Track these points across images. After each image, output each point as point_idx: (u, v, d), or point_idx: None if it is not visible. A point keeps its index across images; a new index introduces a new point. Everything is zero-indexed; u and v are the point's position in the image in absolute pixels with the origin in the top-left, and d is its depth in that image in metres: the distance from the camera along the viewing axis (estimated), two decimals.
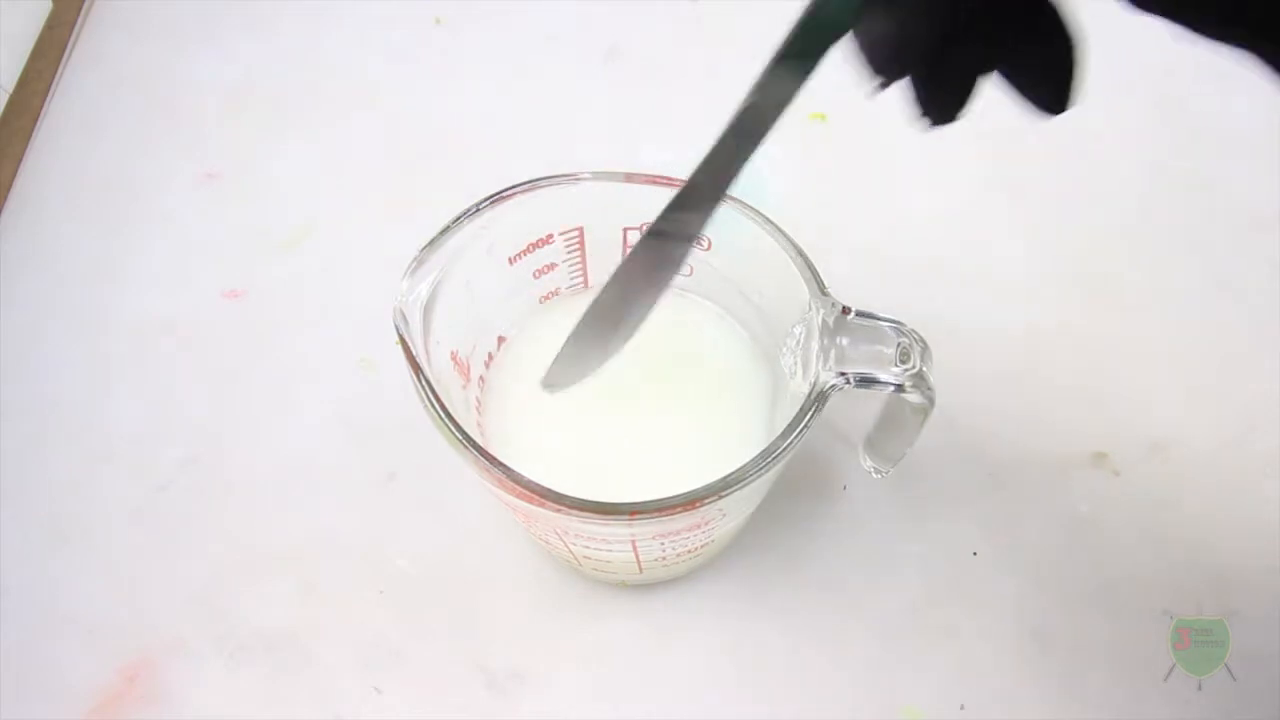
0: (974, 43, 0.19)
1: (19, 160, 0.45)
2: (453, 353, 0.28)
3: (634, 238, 0.30)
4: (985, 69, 0.19)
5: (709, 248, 0.29)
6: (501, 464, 0.23)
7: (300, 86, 0.47)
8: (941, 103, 0.20)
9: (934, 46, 0.19)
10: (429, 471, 0.35)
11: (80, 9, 0.50)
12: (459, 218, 0.26)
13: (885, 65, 0.19)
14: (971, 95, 0.19)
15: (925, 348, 0.25)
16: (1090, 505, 0.34)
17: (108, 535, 0.34)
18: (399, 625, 0.32)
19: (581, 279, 0.32)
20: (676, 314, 0.32)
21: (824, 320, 0.25)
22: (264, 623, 0.32)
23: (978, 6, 0.18)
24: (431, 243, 0.26)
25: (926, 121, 0.20)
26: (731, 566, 0.33)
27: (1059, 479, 0.34)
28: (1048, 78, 0.19)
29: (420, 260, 0.26)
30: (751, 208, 0.27)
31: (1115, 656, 0.31)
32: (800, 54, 0.19)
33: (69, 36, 0.49)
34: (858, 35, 0.19)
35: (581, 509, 0.23)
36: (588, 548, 0.27)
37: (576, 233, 0.30)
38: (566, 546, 0.28)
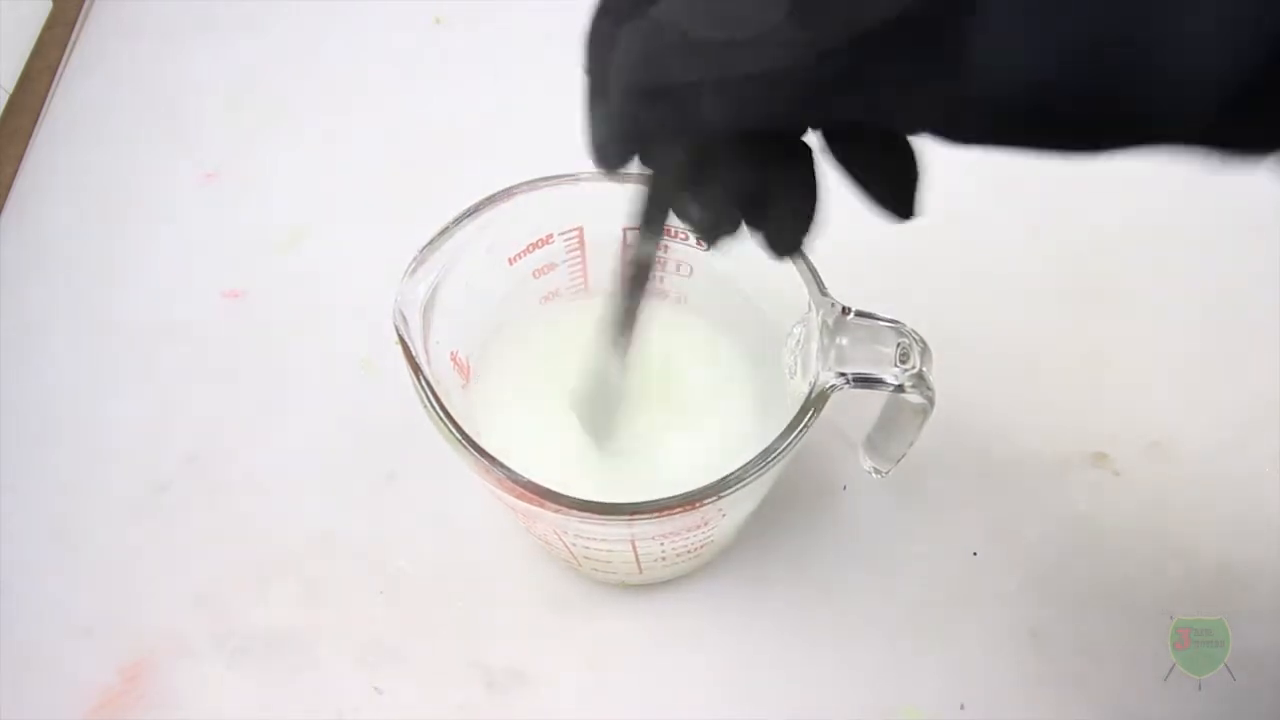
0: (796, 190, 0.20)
1: (19, 160, 0.45)
2: (453, 353, 0.28)
3: (634, 237, 0.30)
4: (806, 204, 0.20)
5: (708, 248, 0.29)
6: (501, 464, 0.23)
7: (300, 86, 0.47)
8: (784, 235, 0.21)
9: (750, 203, 0.20)
10: (429, 471, 0.35)
11: (80, 9, 0.50)
12: (459, 218, 0.26)
13: (707, 234, 0.21)
14: (813, 217, 0.20)
15: (925, 348, 0.25)
16: (1090, 505, 0.34)
17: (108, 535, 0.34)
18: (399, 625, 0.32)
19: (581, 279, 0.32)
20: (676, 315, 0.32)
21: (824, 320, 0.25)
22: (264, 623, 0.32)
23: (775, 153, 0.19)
24: (431, 243, 0.26)
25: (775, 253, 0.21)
26: (731, 566, 0.33)
27: (1059, 479, 0.34)
28: (893, 188, 0.20)
29: (420, 260, 0.26)
30: None
31: (1115, 656, 0.31)
32: (649, 222, 0.22)
33: (69, 36, 0.49)
34: (679, 214, 0.20)
35: (581, 509, 0.23)
36: (588, 548, 0.27)
37: (576, 233, 0.30)
38: (566, 546, 0.28)
